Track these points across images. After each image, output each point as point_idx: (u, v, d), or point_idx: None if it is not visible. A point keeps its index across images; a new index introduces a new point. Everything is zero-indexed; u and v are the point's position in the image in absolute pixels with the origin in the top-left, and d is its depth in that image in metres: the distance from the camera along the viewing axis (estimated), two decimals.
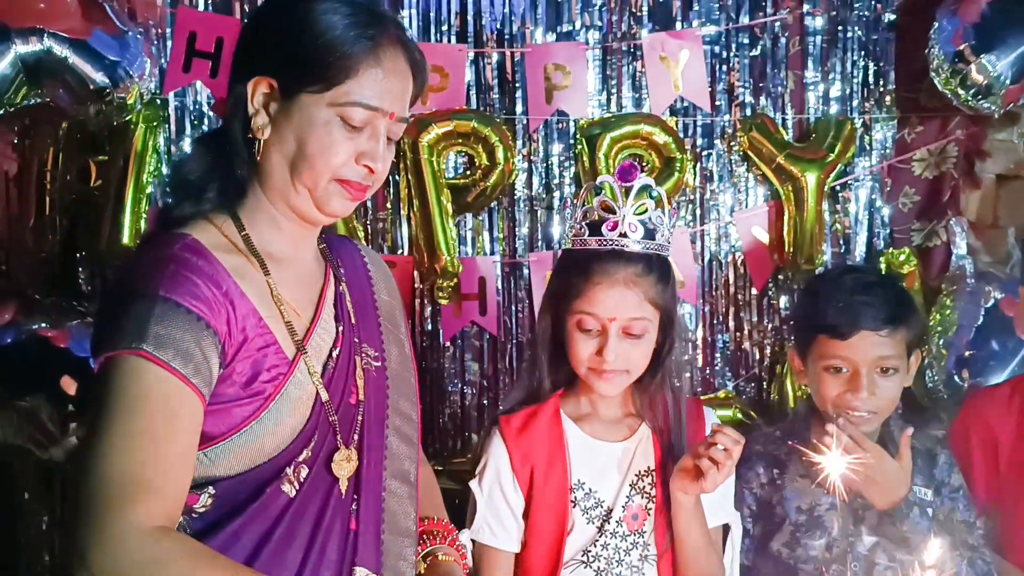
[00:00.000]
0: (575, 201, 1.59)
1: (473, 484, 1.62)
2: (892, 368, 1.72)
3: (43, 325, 2.17)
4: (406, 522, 1.36)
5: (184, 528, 1.17)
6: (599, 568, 1.58)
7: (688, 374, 2.48)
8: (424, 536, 1.44)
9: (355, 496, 1.28)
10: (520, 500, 1.58)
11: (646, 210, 1.53)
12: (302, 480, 1.22)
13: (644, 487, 1.61)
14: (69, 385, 2.06)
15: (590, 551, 1.58)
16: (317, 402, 1.24)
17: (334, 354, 1.29)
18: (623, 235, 1.51)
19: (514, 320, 2.43)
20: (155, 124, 2.25)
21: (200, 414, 1.14)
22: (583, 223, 1.54)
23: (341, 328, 1.32)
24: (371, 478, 1.31)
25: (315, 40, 1.19)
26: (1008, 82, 2.25)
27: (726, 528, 1.68)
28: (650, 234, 1.53)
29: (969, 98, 2.29)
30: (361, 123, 1.21)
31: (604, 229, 1.52)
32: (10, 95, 1.96)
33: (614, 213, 1.52)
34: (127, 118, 2.17)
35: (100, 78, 2.03)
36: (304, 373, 1.23)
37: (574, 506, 1.59)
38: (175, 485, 1.10)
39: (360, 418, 1.31)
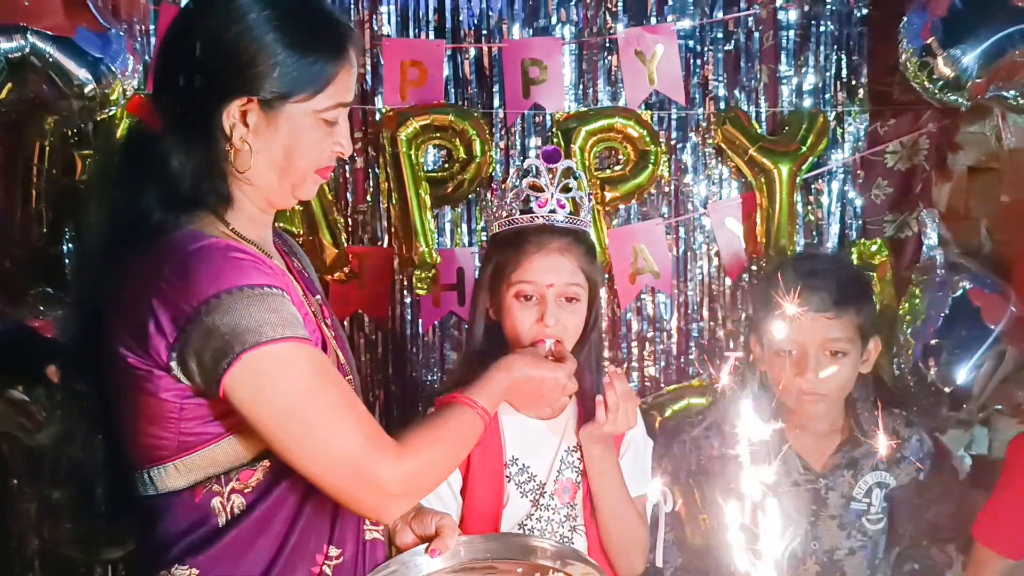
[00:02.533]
0: (501, 186, 1.68)
1: None
2: (840, 351, 1.76)
3: (30, 315, 2.24)
4: None
5: (242, 505, 1.27)
6: None
7: (663, 363, 2.55)
8: None
9: None
10: (457, 477, 1.66)
11: (570, 189, 1.65)
12: None
13: (573, 461, 1.70)
14: (54, 373, 2.11)
15: (525, 524, 1.67)
16: (337, 363, 1.35)
17: (327, 322, 1.40)
18: (552, 211, 1.64)
19: None
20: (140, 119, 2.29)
21: None
22: (514, 204, 1.62)
23: (318, 298, 1.44)
24: None
25: (297, 58, 1.25)
26: (975, 75, 2.29)
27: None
28: (575, 210, 1.66)
29: (937, 91, 2.32)
30: (337, 118, 1.30)
31: (535, 206, 1.64)
32: None
33: (543, 192, 1.62)
34: (111, 113, 2.22)
35: (83, 75, 2.07)
36: (329, 339, 1.35)
37: (508, 481, 1.67)
38: None
39: (350, 377, 1.41)
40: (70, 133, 2.31)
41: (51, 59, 2.04)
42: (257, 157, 1.27)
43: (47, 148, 2.30)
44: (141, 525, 1.31)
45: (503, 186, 1.69)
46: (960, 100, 2.35)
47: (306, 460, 1.21)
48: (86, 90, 2.09)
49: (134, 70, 2.22)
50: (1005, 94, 2.35)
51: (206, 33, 1.25)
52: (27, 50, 2.01)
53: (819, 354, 1.75)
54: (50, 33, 2.04)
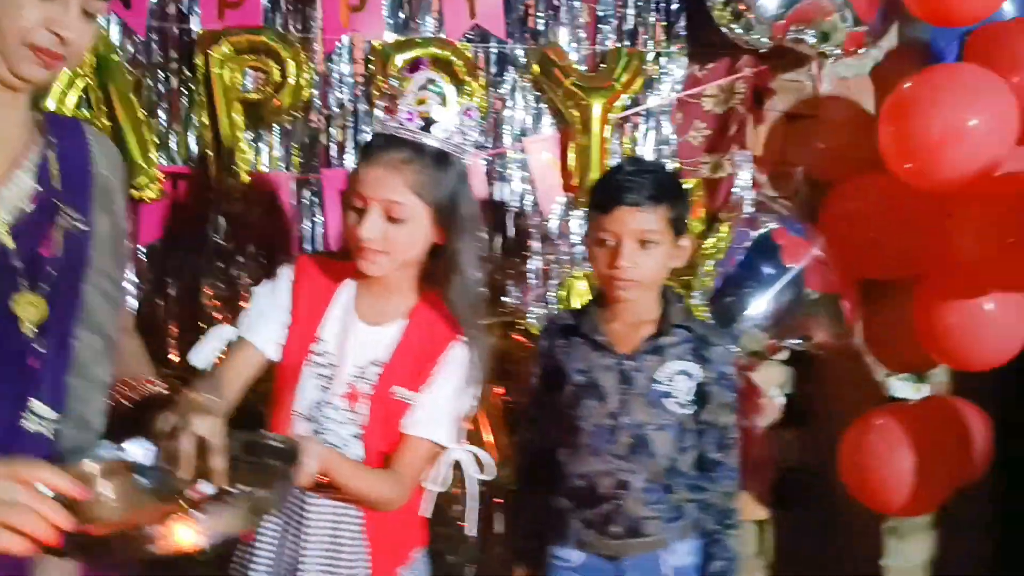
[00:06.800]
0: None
1: (255, 288, 1.76)
2: (652, 241, 1.88)
3: None
4: (97, 371, 1.45)
5: None
6: (315, 429, 1.69)
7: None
8: None
9: (43, 339, 1.37)
10: (287, 312, 1.71)
11: (424, 101, 1.61)
12: None
13: (368, 375, 1.70)
14: None
15: (313, 410, 1.70)
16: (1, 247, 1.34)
17: (27, 209, 1.38)
18: (399, 124, 1.61)
19: (310, 232, 2.51)
20: None
21: None
22: (379, 114, 1.65)
23: (40, 189, 1.40)
24: (60, 326, 1.40)
25: None
26: (775, 16, 2.36)
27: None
28: (427, 126, 1.61)
29: (740, 30, 2.40)
30: None
31: (383, 115, 1.62)
32: None
33: (394, 101, 1.61)
34: None
35: None
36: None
37: (309, 361, 1.70)
38: None
39: (55, 272, 1.39)
40: None
41: None
42: None
43: None
44: None
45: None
46: (762, 40, 2.42)
47: None
48: None
49: None
50: (805, 37, 2.43)
51: None
52: None
53: (631, 244, 1.86)
54: None
